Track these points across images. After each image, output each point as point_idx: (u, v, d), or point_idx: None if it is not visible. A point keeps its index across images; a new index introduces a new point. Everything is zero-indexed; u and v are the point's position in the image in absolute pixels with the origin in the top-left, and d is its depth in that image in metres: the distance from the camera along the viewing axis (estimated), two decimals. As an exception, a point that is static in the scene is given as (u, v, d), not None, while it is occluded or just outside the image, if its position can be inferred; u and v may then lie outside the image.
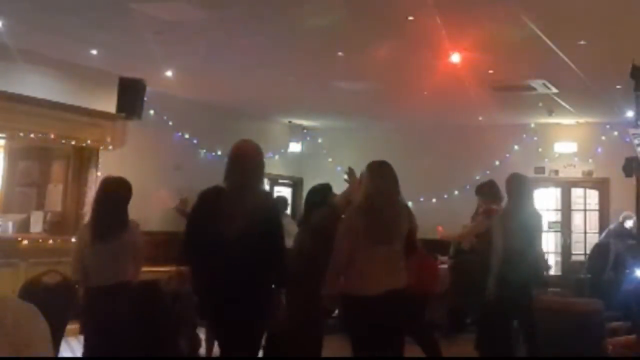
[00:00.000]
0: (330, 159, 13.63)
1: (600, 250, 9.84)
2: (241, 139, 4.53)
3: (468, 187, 11.85)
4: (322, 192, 5.89)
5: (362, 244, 4.54)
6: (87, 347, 5.08)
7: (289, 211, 12.04)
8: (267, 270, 4.13)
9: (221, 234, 4.04)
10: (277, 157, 13.23)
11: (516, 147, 12.42)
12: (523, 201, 6.11)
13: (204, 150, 11.20)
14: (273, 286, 4.32)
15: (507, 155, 12.38)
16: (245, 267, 3.99)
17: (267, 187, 13.44)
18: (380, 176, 4.71)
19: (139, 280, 5.36)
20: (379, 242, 4.54)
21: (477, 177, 10.70)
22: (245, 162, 4.28)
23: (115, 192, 5.18)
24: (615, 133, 11.46)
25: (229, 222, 4.07)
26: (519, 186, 6.18)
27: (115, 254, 5.05)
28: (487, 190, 6.93)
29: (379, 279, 4.51)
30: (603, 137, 11.84)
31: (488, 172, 11.38)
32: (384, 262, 4.54)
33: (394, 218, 4.64)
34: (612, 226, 10.67)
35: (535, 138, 12.40)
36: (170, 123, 10.65)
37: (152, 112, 10.23)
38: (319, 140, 13.95)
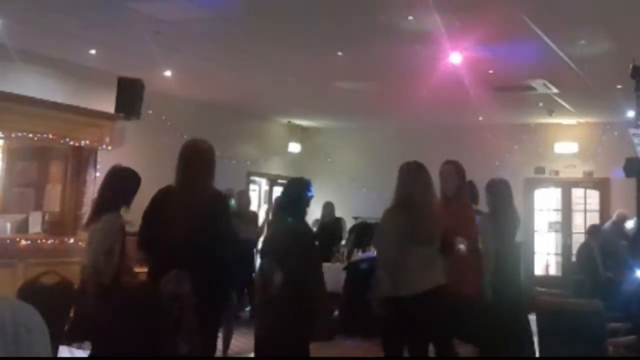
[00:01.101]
0: (329, 159, 13.62)
1: (581, 250, 9.84)
2: (192, 138, 4.61)
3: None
4: (299, 188, 5.65)
5: (404, 245, 4.52)
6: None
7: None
8: (209, 268, 4.09)
9: (166, 234, 4.11)
10: (276, 157, 13.23)
11: (516, 147, 12.41)
12: (509, 204, 6.06)
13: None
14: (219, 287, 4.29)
15: (507, 155, 12.37)
16: (189, 267, 3.93)
17: (266, 187, 13.44)
18: (418, 177, 4.72)
19: (138, 280, 5.33)
20: (421, 243, 4.53)
21: (474, 180, 10.66)
22: (190, 161, 4.34)
23: (108, 180, 5.14)
24: (616, 133, 11.45)
25: (171, 221, 4.14)
26: (504, 190, 6.12)
27: (88, 243, 4.98)
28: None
29: (422, 278, 4.51)
30: (603, 137, 11.83)
31: (484, 175, 11.34)
32: (425, 262, 4.53)
33: (433, 218, 4.64)
34: (606, 225, 10.61)
35: (536, 138, 12.39)
36: (169, 123, 10.62)
37: (150, 112, 10.21)
38: (319, 141, 13.93)
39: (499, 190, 6.14)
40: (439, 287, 4.57)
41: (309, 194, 5.25)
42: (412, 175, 4.74)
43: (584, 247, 9.84)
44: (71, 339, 5.18)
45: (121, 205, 4.98)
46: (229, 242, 4.36)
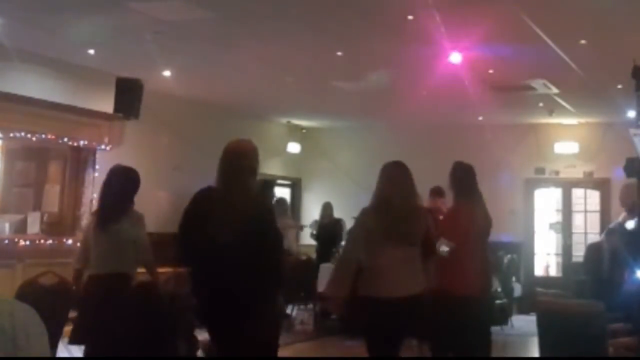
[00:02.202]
0: (329, 160, 13.61)
1: (593, 250, 9.81)
2: (236, 138, 4.41)
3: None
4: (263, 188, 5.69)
5: (379, 245, 4.46)
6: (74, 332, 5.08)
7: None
8: (260, 273, 3.95)
9: (211, 237, 3.93)
10: (275, 157, 13.21)
11: (516, 147, 12.40)
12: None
13: (202, 151, 11.16)
14: (268, 290, 4.14)
15: (507, 155, 12.36)
16: (237, 271, 3.86)
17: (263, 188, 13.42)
18: (395, 176, 4.67)
19: (139, 281, 5.32)
20: (396, 242, 4.46)
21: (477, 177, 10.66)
22: (234, 163, 4.15)
23: (118, 181, 5.19)
24: (616, 133, 11.43)
25: (217, 225, 3.96)
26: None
27: (114, 243, 5.08)
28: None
29: (397, 280, 4.43)
30: (604, 138, 11.82)
31: (484, 175, 11.33)
32: (402, 263, 4.46)
33: (410, 218, 4.56)
34: (611, 225, 10.61)
35: (536, 138, 12.38)
36: (168, 123, 10.61)
37: (149, 112, 10.19)
38: (318, 141, 13.92)
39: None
40: (415, 295, 4.46)
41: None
42: (389, 175, 4.69)
43: (595, 248, 9.79)
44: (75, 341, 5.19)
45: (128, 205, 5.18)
46: (277, 244, 4.22)
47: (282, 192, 13.42)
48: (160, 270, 6.95)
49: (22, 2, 6.62)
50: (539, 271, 12.64)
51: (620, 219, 10.36)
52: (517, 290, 11.07)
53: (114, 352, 4.77)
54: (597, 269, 9.32)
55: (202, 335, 6.36)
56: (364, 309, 4.54)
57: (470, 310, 4.72)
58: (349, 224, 11.57)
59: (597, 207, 12.11)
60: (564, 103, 10.24)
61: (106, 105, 9.17)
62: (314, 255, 10.70)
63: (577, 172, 12.20)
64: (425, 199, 10.88)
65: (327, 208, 11.24)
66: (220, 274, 3.90)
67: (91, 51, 8.22)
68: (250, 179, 4.17)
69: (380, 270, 4.46)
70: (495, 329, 9.27)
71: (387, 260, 4.45)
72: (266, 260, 3.99)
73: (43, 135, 8.35)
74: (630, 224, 10.04)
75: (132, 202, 5.25)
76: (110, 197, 5.20)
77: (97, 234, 5.13)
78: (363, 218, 4.68)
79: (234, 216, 3.97)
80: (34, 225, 8.56)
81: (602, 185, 12.02)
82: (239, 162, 4.16)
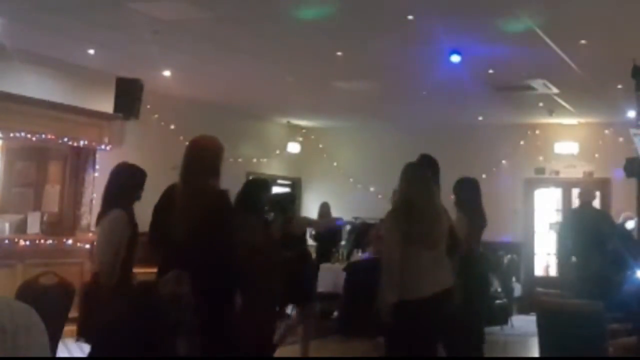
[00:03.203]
0: (328, 160, 13.61)
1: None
2: (200, 135, 4.44)
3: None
4: (257, 189, 5.80)
5: (409, 249, 4.46)
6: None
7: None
8: (215, 270, 3.94)
9: (171, 232, 4.02)
10: (275, 157, 13.21)
11: (516, 147, 12.39)
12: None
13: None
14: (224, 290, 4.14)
15: (507, 155, 12.36)
16: (194, 270, 3.82)
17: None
18: (417, 179, 4.67)
19: (138, 281, 5.31)
20: (424, 246, 4.48)
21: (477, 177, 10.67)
22: (193, 158, 4.21)
23: (112, 177, 5.15)
24: (616, 133, 11.44)
25: (174, 220, 4.05)
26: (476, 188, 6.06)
27: (97, 242, 5.06)
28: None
29: (429, 281, 4.46)
30: (604, 138, 11.81)
31: (484, 175, 11.35)
32: (431, 264, 4.48)
33: (435, 221, 4.58)
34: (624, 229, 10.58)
35: (536, 138, 12.37)
36: (168, 123, 10.61)
37: (149, 112, 10.19)
38: (318, 141, 13.91)
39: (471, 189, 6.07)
40: (448, 290, 4.52)
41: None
42: (411, 177, 4.69)
43: (614, 253, 9.79)
44: (80, 335, 5.18)
45: (127, 201, 5.00)
46: (229, 244, 4.19)
47: (271, 189, 13.42)
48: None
49: (22, 2, 6.62)
50: (539, 271, 12.63)
51: (620, 219, 10.38)
52: (517, 290, 11.07)
53: (114, 352, 4.76)
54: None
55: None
56: (399, 313, 4.49)
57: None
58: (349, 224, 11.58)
59: (597, 207, 12.08)
60: (564, 103, 10.24)
61: (106, 105, 9.16)
62: (313, 256, 10.69)
63: (577, 172, 12.18)
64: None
65: (324, 208, 11.22)
66: (177, 267, 3.90)
67: (91, 51, 8.22)
68: (209, 177, 4.21)
69: (411, 273, 4.45)
70: (495, 329, 9.30)
71: (417, 263, 4.46)
72: (219, 259, 3.98)
73: (43, 135, 8.35)
74: (630, 224, 10.05)
75: (117, 198, 5.02)
76: (103, 195, 5.17)
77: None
78: (391, 221, 4.64)
79: (188, 214, 4.04)
80: (34, 225, 8.55)
81: (602, 185, 12.00)
82: (195, 158, 4.23)
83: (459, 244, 4.85)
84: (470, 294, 5.39)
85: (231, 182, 10.31)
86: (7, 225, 8.37)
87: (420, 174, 4.73)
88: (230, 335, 4.23)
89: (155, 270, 4.38)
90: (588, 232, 7.93)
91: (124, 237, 4.82)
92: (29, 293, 4.78)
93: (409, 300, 4.44)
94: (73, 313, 5.06)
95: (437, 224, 4.58)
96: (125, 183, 5.05)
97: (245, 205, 5.41)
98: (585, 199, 8.54)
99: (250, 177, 9.64)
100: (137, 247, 4.96)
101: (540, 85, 9.17)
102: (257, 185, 6.09)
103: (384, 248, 4.55)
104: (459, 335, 5.46)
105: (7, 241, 7.94)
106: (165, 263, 4.09)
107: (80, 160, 9.00)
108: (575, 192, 12.42)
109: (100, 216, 5.04)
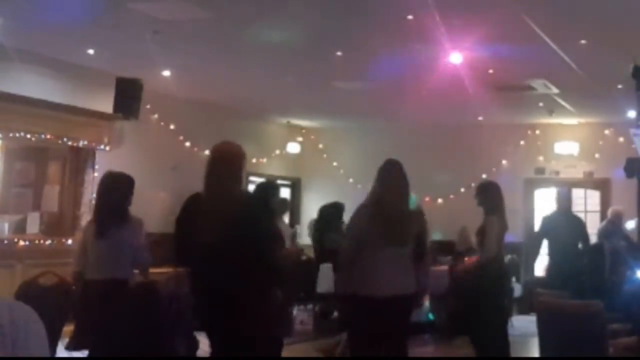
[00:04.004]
0: (328, 160, 13.60)
1: (593, 252, 9.80)
2: (222, 141, 4.40)
3: (463, 189, 11.86)
4: (264, 192, 5.93)
5: (368, 244, 4.50)
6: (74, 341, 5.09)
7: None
8: (252, 273, 3.98)
9: (202, 241, 3.99)
10: (275, 157, 13.20)
11: (516, 147, 12.39)
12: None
13: (202, 151, 11.15)
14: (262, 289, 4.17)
15: (507, 155, 12.36)
16: (229, 273, 3.90)
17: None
18: (388, 175, 4.71)
19: (138, 281, 5.32)
20: (385, 242, 4.49)
21: (474, 180, 10.67)
22: (220, 166, 4.17)
23: (114, 188, 5.21)
24: (616, 133, 11.43)
25: (206, 228, 4.01)
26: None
27: (113, 250, 5.13)
28: None
29: (385, 280, 4.47)
30: (604, 138, 11.81)
31: (484, 175, 11.35)
32: (390, 263, 4.48)
33: (401, 219, 4.59)
34: (603, 225, 10.56)
35: (536, 138, 12.37)
36: (168, 124, 10.60)
37: (149, 112, 10.19)
38: (318, 141, 13.91)
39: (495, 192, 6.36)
40: (406, 296, 4.53)
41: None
42: (383, 173, 4.75)
43: (596, 249, 9.79)
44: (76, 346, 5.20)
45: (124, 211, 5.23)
46: (268, 242, 4.24)
47: (282, 192, 13.44)
48: (161, 270, 6.97)
49: (22, 2, 6.61)
50: (539, 271, 12.62)
51: (609, 214, 10.36)
52: (517, 290, 11.06)
53: (114, 352, 4.76)
54: (597, 270, 9.33)
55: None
56: (350, 307, 4.58)
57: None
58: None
59: (597, 207, 12.08)
60: (564, 103, 10.23)
61: (106, 105, 9.15)
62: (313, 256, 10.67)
63: (577, 172, 12.18)
64: (424, 199, 10.82)
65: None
66: (213, 277, 3.94)
67: (91, 51, 8.21)
68: (235, 184, 4.19)
69: (368, 268, 4.49)
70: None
71: (376, 259, 4.49)
72: (258, 260, 4.01)
73: (42, 136, 8.34)
74: (630, 224, 10.04)
75: (127, 207, 5.28)
76: (105, 206, 5.24)
77: (96, 240, 5.20)
78: (357, 217, 4.72)
79: (219, 221, 4.01)
80: (33, 225, 8.55)
81: (602, 185, 12.01)
82: (222, 165, 4.18)
83: (425, 252, 4.87)
84: (495, 291, 6.04)
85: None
86: (6, 225, 8.36)
87: (395, 174, 4.75)
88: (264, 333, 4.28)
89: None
90: (564, 234, 8.53)
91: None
92: (29, 293, 4.79)
93: (364, 296, 4.46)
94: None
95: (402, 225, 4.58)
96: (130, 190, 5.27)
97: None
98: (563, 204, 8.91)
99: (263, 180, 9.61)
100: None
101: (540, 85, 9.16)
102: (267, 188, 6.23)
103: (346, 240, 4.61)
104: (485, 329, 5.83)
105: (6, 241, 7.94)
106: (197, 270, 4.07)
107: (80, 160, 9.00)
108: (576, 192, 12.44)
109: (115, 223, 5.15)
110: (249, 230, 4.01)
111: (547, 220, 8.92)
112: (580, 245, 8.67)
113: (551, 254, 8.76)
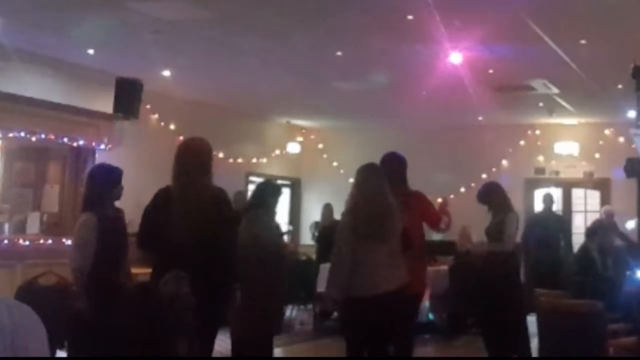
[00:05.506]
0: (328, 160, 13.60)
1: (579, 254, 9.82)
2: (189, 137, 4.72)
3: (463, 189, 11.85)
4: (264, 192, 6.00)
5: (356, 244, 4.57)
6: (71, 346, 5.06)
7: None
8: (214, 266, 4.18)
9: (170, 234, 4.17)
10: (275, 157, 13.20)
11: (516, 147, 12.38)
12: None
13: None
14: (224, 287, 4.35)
15: (507, 155, 12.35)
16: (192, 264, 4.02)
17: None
18: (364, 178, 4.81)
19: (136, 281, 5.31)
20: (370, 239, 4.57)
21: (474, 180, 10.68)
22: (185, 160, 4.40)
23: (90, 182, 5.13)
24: (616, 133, 11.43)
25: (172, 222, 4.20)
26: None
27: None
28: None
29: (376, 279, 4.51)
30: (604, 138, 11.80)
31: (484, 175, 11.35)
32: (380, 260, 4.53)
33: (382, 216, 4.65)
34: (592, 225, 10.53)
35: (536, 138, 12.37)
36: (168, 124, 10.60)
37: (149, 112, 10.18)
38: (318, 141, 13.90)
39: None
40: (401, 288, 4.56)
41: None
42: (359, 177, 4.85)
43: (581, 250, 9.81)
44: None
45: (102, 203, 4.91)
46: (230, 239, 4.40)
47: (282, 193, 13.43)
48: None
49: (22, 2, 6.61)
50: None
51: (602, 214, 10.36)
52: (517, 290, 11.05)
53: (114, 352, 4.76)
54: (589, 269, 9.34)
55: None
56: (344, 308, 4.65)
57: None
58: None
59: (597, 208, 12.06)
60: (564, 103, 10.23)
61: (106, 105, 9.14)
62: (313, 256, 10.68)
63: (577, 172, 12.18)
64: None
65: (327, 210, 11.22)
66: (179, 264, 4.02)
67: (91, 51, 8.21)
68: (202, 177, 4.39)
69: (359, 268, 4.55)
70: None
71: (365, 258, 4.55)
72: (219, 257, 4.21)
73: (42, 135, 8.33)
74: (630, 224, 10.04)
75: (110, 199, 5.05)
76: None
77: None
78: (344, 220, 4.84)
79: (184, 214, 4.21)
80: (33, 225, 8.54)
81: (602, 185, 12.00)
82: (187, 160, 4.42)
83: (411, 245, 4.90)
84: (514, 283, 6.64)
85: (231, 182, 10.37)
86: (6, 225, 8.36)
87: (367, 173, 4.84)
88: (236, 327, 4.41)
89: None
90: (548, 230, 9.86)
91: (90, 241, 4.74)
92: (29, 293, 4.79)
93: (362, 297, 4.50)
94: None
95: (385, 221, 4.64)
96: (99, 184, 4.97)
97: (260, 203, 5.77)
98: (548, 204, 10.25)
99: (263, 179, 9.60)
100: (121, 247, 4.91)
101: (540, 85, 9.16)
102: (268, 187, 6.29)
103: (337, 244, 4.67)
104: (516, 322, 6.31)
105: (6, 241, 7.94)
106: (162, 264, 4.14)
107: (80, 160, 8.99)
108: (576, 192, 12.45)
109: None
110: (213, 225, 4.21)
111: (530, 220, 10.20)
112: (562, 242, 9.97)
113: (531, 249, 9.73)
